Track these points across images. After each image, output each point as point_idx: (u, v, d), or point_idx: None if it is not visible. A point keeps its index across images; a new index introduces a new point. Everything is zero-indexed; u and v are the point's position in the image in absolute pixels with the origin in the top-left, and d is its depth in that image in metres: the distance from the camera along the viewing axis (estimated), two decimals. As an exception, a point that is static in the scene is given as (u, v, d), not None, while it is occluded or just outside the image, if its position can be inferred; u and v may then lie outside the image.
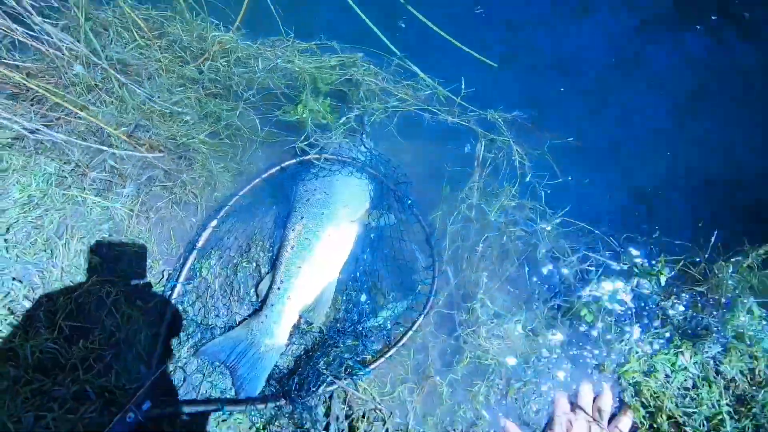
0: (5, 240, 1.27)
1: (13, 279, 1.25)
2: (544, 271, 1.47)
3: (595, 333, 1.36)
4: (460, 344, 1.35)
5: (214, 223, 1.41)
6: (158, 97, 1.53)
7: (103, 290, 1.27)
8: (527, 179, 1.57)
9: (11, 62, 1.41)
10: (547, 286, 1.45)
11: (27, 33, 1.38)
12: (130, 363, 1.23)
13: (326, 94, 1.67)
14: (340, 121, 1.56)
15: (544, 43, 1.95)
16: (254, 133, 1.62)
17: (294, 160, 1.54)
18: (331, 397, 1.24)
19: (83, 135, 1.46)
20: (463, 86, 1.66)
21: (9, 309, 1.20)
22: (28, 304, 1.22)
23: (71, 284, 1.27)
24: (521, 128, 1.67)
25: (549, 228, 1.49)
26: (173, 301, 1.31)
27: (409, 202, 1.57)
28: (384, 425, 1.24)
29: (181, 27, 1.65)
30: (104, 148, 1.39)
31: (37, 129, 1.35)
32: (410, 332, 1.34)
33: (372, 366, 1.27)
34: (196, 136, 1.53)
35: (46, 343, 1.17)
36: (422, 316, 1.36)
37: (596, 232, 1.48)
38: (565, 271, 1.46)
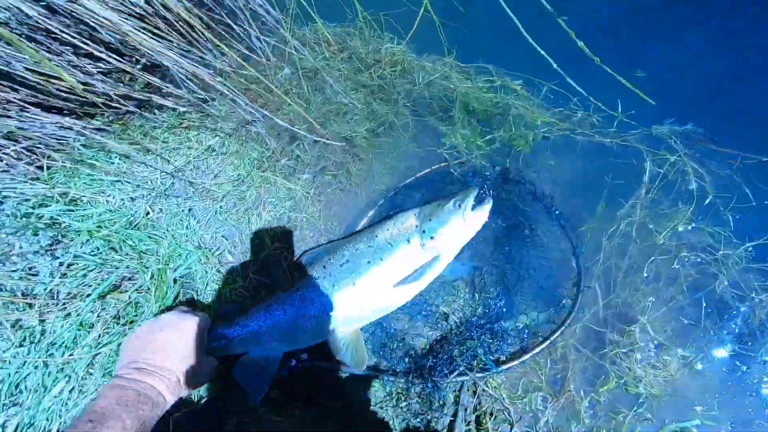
0: (220, 206, 1.71)
1: (222, 236, 1.67)
2: (723, 306, 1.33)
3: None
4: (606, 364, 1.31)
5: (371, 212, 1.66)
6: (336, 98, 1.88)
7: (281, 255, 1.61)
8: (707, 201, 1.45)
9: (242, 71, 1.90)
10: (725, 325, 1.31)
11: (250, 47, 1.86)
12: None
13: (475, 115, 1.81)
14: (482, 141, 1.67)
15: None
16: (405, 133, 1.84)
17: (440, 165, 1.71)
18: (461, 387, 1.34)
19: (278, 130, 1.87)
20: (619, 109, 1.62)
21: (218, 260, 1.62)
22: (230, 258, 1.62)
23: (260, 245, 1.65)
24: (699, 145, 1.54)
25: (735, 258, 1.34)
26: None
27: (557, 212, 1.59)
28: (511, 428, 1.29)
29: (360, 41, 1.98)
30: (299, 131, 1.77)
31: (255, 119, 1.80)
32: (548, 342, 1.36)
33: (505, 366, 1.33)
34: (359, 131, 1.83)
35: (240, 290, 1.55)
36: (562, 328, 1.37)
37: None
38: (752, 311, 1.30)
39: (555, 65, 1.64)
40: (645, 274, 1.38)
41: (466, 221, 1.30)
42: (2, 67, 1.51)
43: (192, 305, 1.52)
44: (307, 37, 1.99)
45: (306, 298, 1.32)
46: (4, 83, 1.53)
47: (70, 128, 1.87)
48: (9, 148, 1.58)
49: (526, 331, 1.39)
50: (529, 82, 1.76)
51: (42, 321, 1.41)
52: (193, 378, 1.15)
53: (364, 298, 1.32)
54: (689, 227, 1.39)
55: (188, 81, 1.77)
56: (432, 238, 1.31)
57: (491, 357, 1.34)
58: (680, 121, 1.58)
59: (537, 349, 1.35)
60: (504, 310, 1.41)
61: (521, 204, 1.61)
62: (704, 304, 1.32)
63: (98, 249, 1.61)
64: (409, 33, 1.95)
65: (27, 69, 1.54)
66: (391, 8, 2.01)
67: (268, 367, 1.25)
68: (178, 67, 1.70)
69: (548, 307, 1.42)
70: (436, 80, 1.79)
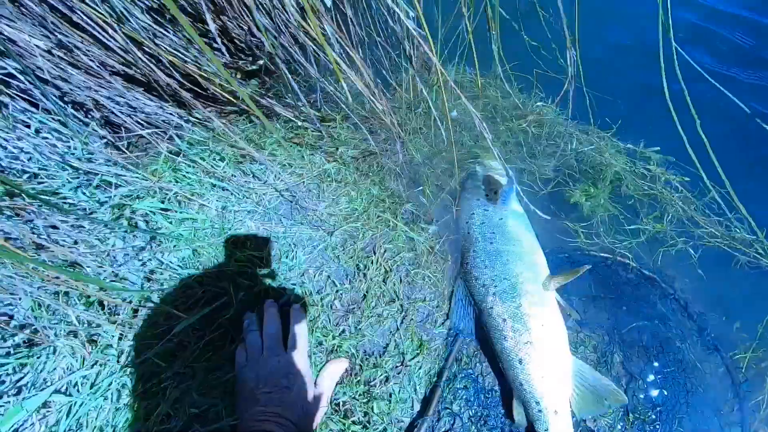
0: (330, 238, 1.53)
1: (328, 276, 1.48)
2: None
3: None
4: None
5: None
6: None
7: (398, 316, 1.42)
8: None
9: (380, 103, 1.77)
10: None
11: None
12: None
13: (624, 199, 1.70)
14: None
15: None
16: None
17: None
18: None
19: (398, 169, 1.73)
20: None
21: (322, 305, 1.42)
22: (338, 306, 1.42)
23: (368, 295, 1.46)
24: None
25: None
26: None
27: (712, 335, 1.45)
28: None
29: (499, 93, 1.89)
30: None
31: (376, 152, 1.65)
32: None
33: None
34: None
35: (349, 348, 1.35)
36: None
37: None
38: None
39: (723, 175, 1.54)
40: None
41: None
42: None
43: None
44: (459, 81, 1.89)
45: None
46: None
47: (172, 116, 1.72)
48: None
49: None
50: (694, 179, 1.65)
51: (120, 338, 1.19)
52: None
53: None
54: None
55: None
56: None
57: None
58: None
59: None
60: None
61: (670, 315, 1.46)
62: None
63: (185, 260, 1.41)
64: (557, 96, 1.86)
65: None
66: (537, 66, 1.93)
67: None
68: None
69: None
70: (588, 152, 1.68)
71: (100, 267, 1.23)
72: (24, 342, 1.07)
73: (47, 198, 1.23)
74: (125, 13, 1.31)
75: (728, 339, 1.45)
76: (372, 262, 1.50)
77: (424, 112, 1.82)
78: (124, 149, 1.50)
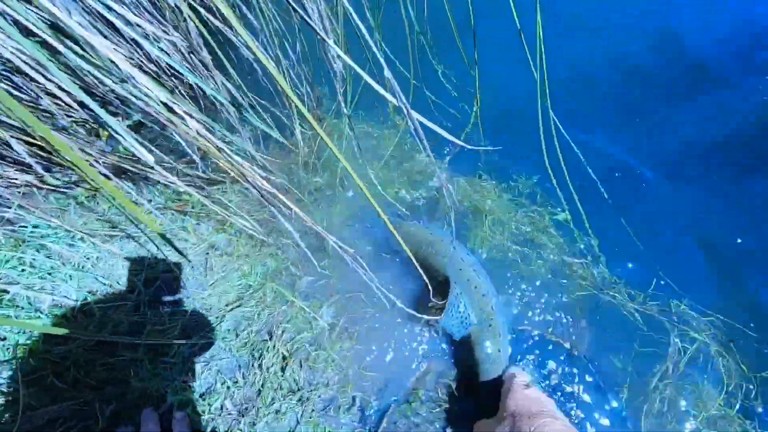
0: (221, 324, 1.38)
1: (218, 370, 1.33)
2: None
3: None
4: None
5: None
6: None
7: (298, 408, 1.32)
8: (731, 388, 1.54)
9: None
10: None
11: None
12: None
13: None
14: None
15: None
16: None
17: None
18: None
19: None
20: (654, 283, 1.73)
21: (209, 407, 1.26)
22: (229, 406, 1.28)
23: (264, 389, 1.33)
24: (737, 332, 1.65)
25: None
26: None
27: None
28: None
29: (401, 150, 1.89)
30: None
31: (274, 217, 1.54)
32: None
33: None
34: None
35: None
36: None
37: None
38: None
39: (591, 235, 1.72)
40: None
41: None
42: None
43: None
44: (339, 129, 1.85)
45: None
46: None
47: (14, 185, 1.46)
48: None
49: None
50: (565, 229, 1.81)
51: None
52: None
53: None
54: (717, 414, 1.46)
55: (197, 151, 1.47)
56: None
57: None
58: (712, 305, 1.69)
59: None
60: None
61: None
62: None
63: (32, 370, 1.17)
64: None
65: None
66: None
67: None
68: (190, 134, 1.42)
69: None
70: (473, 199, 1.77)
71: None
72: None
73: None
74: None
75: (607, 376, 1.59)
76: (268, 349, 1.38)
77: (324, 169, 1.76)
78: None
